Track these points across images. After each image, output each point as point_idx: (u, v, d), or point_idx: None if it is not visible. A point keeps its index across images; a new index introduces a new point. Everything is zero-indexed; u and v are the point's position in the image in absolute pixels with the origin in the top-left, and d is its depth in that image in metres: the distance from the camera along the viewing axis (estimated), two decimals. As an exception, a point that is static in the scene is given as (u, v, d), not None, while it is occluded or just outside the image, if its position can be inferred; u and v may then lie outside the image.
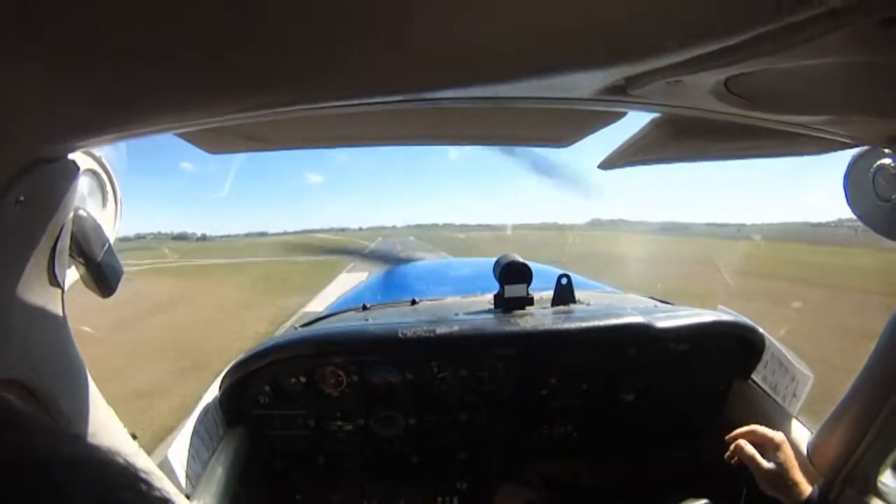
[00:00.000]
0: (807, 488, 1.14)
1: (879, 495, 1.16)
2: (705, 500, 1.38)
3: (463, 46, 0.50)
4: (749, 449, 1.22)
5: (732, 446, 1.25)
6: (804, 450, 1.31)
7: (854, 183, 1.02)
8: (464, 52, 0.52)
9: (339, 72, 0.55)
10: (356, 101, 0.66)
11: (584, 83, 0.64)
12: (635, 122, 0.99)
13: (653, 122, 0.95)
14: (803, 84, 0.63)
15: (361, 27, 0.45)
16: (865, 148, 0.99)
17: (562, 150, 1.16)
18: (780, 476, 1.16)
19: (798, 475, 1.16)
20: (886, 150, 0.94)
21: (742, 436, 1.25)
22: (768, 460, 1.18)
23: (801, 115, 0.78)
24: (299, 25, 0.43)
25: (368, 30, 0.46)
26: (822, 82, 0.63)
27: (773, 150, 1.10)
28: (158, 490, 0.31)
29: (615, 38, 0.50)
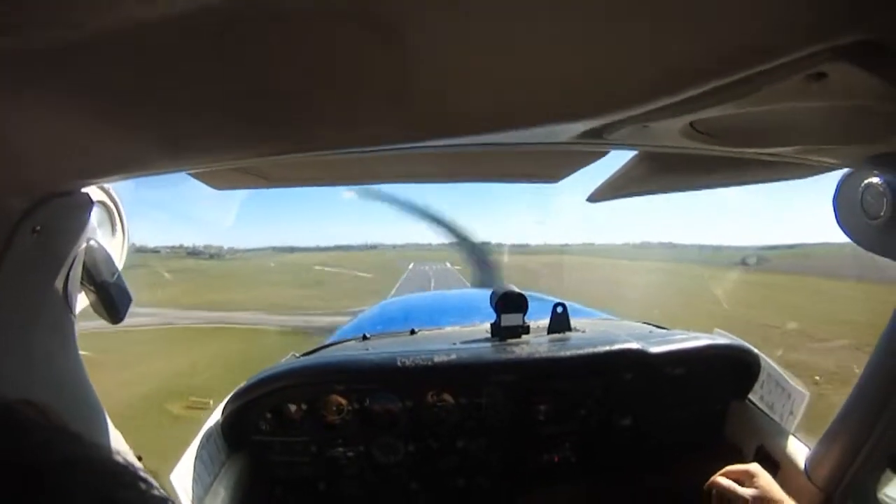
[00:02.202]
0: None
1: None
2: None
3: (456, 102, 0.56)
4: (726, 483, 1.21)
5: (709, 486, 1.24)
6: (802, 466, 1.31)
7: (843, 202, 1.03)
8: (457, 107, 0.57)
9: (342, 124, 0.60)
10: (358, 150, 0.71)
11: (567, 130, 0.70)
12: (623, 156, 1.05)
13: (636, 157, 1.00)
14: (769, 121, 0.67)
15: (364, 86, 0.50)
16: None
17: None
18: (764, 500, 1.15)
19: (782, 496, 1.15)
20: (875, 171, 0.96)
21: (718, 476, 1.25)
22: (748, 490, 1.18)
23: (772, 148, 0.81)
24: (305, 81, 0.48)
25: (371, 88, 0.50)
26: (787, 119, 0.66)
27: (759, 177, 1.12)
28: (158, 490, 0.31)
29: (590, 94, 0.55)
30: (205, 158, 0.71)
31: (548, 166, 1.08)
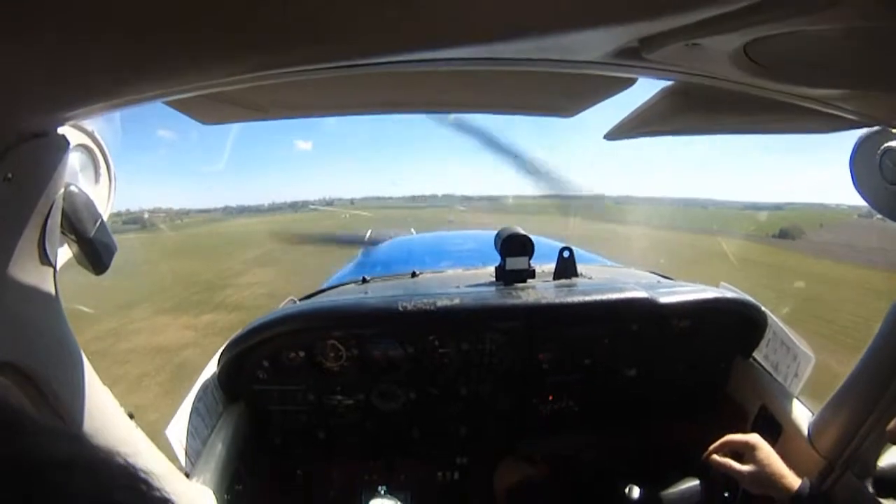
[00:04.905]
0: (795, 480, 1.14)
1: (879, 479, 1.16)
2: (697, 481, 1.40)
3: (463, 9, 0.47)
4: (722, 461, 1.23)
5: (706, 460, 1.26)
6: (805, 431, 1.31)
7: (861, 165, 1.01)
8: (463, 5, 0.48)
9: (333, 30, 0.52)
10: (350, 63, 0.62)
11: (595, 44, 0.60)
12: (641, 92, 0.95)
13: (663, 90, 0.92)
14: (821, 53, 0.61)
15: None
16: (872, 130, 0.98)
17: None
18: (763, 475, 1.16)
19: (782, 469, 1.16)
20: (894, 131, 0.93)
21: (716, 450, 1.27)
22: (746, 463, 1.19)
23: (816, 88, 0.75)
24: None
25: None
26: (839, 52, 0.61)
27: (783, 125, 1.08)
28: (158, 490, 0.31)
29: None
30: (179, 81, 0.62)
31: (563, 96, 0.99)
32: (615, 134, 1.08)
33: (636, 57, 0.62)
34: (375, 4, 0.46)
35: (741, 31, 0.53)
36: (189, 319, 9.27)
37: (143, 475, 0.31)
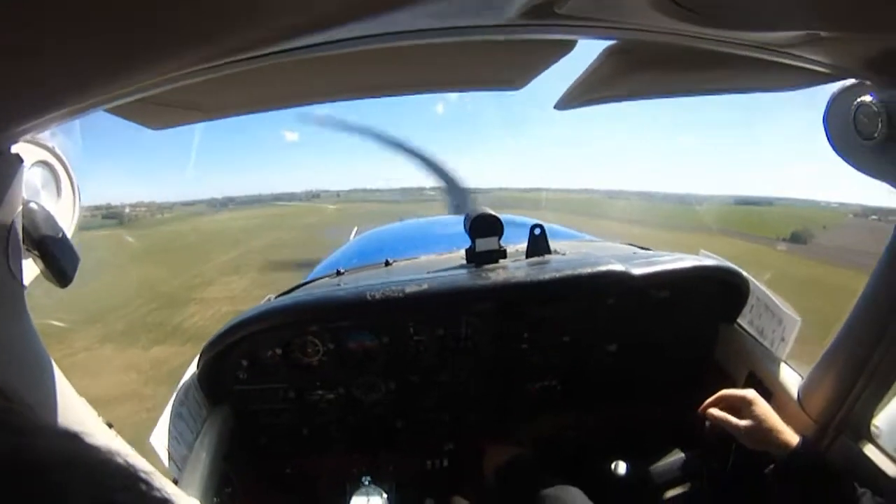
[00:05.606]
0: (792, 436, 1.12)
1: (873, 440, 1.15)
2: (682, 455, 1.38)
3: None
4: (719, 414, 1.23)
5: (703, 413, 1.26)
6: (794, 395, 1.29)
7: (834, 121, 0.99)
8: None
9: (229, 22, 0.50)
10: (276, 49, 0.61)
11: (502, 3, 0.57)
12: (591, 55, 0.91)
13: (605, 50, 0.88)
14: None
15: None
16: (845, 84, 0.95)
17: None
18: (760, 430, 1.15)
19: (778, 424, 1.15)
20: (867, 83, 0.90)
21: (712, 404, 1.26)
22: (743, 418, 1.18)
23: (765, 32, 0.70)
24: None
25: None
26: None
27: (744, 82, 1.04)
28: (158, 490, 0.31)
29: None
30: (109, 89, 0.61)
31: (504, 68, 0.95)
32: (565, 103, 1.03)
33: (551, 14, 0.58)
34: None
35: None
36: (136, 353, 8.15)
37: (143, 475, 0.31)
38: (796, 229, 20.51)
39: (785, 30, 0.69)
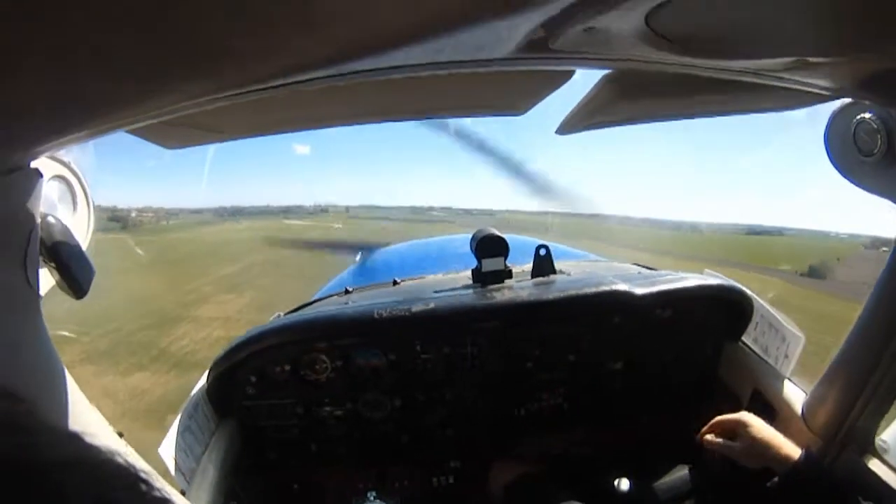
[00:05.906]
0: (793, 450, 1.12)
1: (878, 455, 1.14)
2: (687, 471, 1.38)
3: (363, 19, 0.48)
4: (714, 440, 1.24)
5: (700, 441, 1.27)
6: (799, 411, 1.29)
7: (835, 138, 1.00)
8: (366, 21, 0.49)
9: (256, 54, 0.53)
10: (282, 82, 0.63)
11: (500, 40, 0.60)
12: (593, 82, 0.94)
13: (602, 79, 0.92)
14: (739, 18, 0.58)
15: (269, 7, 0.43)
16: (845, 102, 0.96)
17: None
18: (758, 447, 1.15)
19: (778, 440, 1.15)
20: (866, 103, 0.91)
21: (708, 431, 1.27)
22: (740, 441, 1.19)
23: (754, 60, 0.71)
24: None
25: (274, 9, 0.44)
26: (761, 14, 0.57)
27: (742, 104, 1.05)
28: (159, 490, 0.31)
29: None
30: (129, 114, 0.64)
31: (507, 95, 0.99)
32: (565, 128, 1.07)
33: (545, 49, 0.61)
34: (288, 31, 0.48)
35: (636, 4, 0.51)
36: (114, 380, 7.63)
37: (143, 475, 0.31)
38: (813, 263, 19.64)
39: (773, 57, 0.70)
